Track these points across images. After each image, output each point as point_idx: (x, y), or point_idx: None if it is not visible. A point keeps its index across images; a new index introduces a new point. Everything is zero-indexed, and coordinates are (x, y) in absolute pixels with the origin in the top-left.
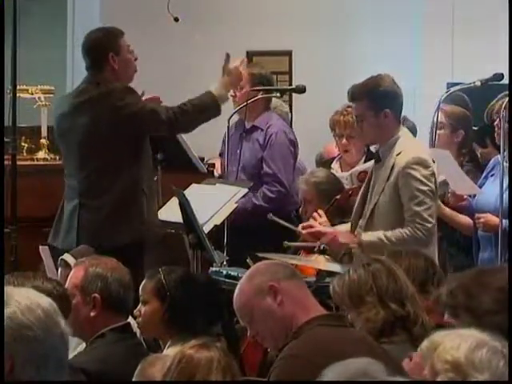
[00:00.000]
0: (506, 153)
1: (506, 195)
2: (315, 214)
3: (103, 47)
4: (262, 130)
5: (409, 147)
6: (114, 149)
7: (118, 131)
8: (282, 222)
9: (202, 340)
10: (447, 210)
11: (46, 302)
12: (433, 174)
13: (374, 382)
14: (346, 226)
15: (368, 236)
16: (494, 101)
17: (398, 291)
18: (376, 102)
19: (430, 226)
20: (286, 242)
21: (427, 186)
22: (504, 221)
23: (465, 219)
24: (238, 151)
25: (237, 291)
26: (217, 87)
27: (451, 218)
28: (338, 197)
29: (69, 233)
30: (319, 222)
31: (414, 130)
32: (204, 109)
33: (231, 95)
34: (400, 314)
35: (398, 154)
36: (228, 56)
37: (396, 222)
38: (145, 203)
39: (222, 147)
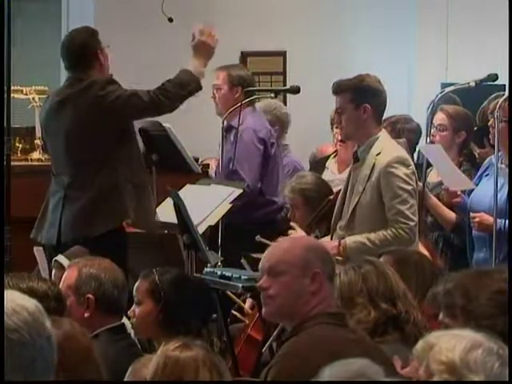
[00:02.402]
0: (500, 153)
1: (500, 195)
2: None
3: (93, 45)
4: (236, 128)
5: (388, 147)
6: (98, 139)
7: (102, 121)
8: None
9: (182, 340)
10: (433, 200)
11: (31, 304)
12: (413, 173)
13: (373, 382)
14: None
15: (352, 242)
16: (486, 102)
17: (388, 291)
18: (358, 96)
19: (413, 224)
20: (258, 237)
21: (409, 184)
22: (498, 220)
23: (448, 213)
24: (221, 152)
25: (284, 247)
26: (190, 62)
27: (435, 209)
28: (331, 197)
29: (52, 227)
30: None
31: (419, 131)
32: (184, 85)
33: (211, 96)
34: (391, 313)
35: (377, 154)
36: (193, 34)
37: (378, 221)
38: (131, 192)
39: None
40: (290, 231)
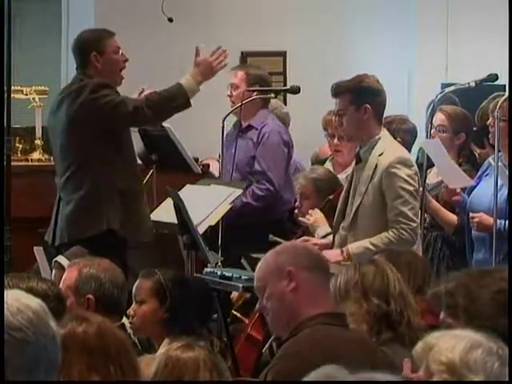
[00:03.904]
0: (501, 153)
1: (499, 195)
2: (310, 211)
3: (87, 46)
4: (257, 129)
5: (390, 148)
6: (87, 143)
7: (89, 124)
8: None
9: (185, 340)
10: (434, 203)
11: (36, 303)
12: (416, 174)
13: (372, 382)
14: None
15: (355, 248)
16: (485, 102)
17: (383, 288)
18: (358, 97)
19: (414, 225)
20: (271, 236)
21: (411, 185)
22: (498, 221)
23: (448, 215)
24: (233, 150)
25: (260, 262)
26: (186, 79)
27: (436, 212)
28: (330, 197)
29: (50, 227)
30: (315, 218)
31: (414, 132)
32: (170, 100)
33: (228, 95)
34: (383, 309)
35: (380, 155)
36: (197, 50)
37: (380, 222)
38: (117, 200)
39: (223, 152)
40: (307, 217)
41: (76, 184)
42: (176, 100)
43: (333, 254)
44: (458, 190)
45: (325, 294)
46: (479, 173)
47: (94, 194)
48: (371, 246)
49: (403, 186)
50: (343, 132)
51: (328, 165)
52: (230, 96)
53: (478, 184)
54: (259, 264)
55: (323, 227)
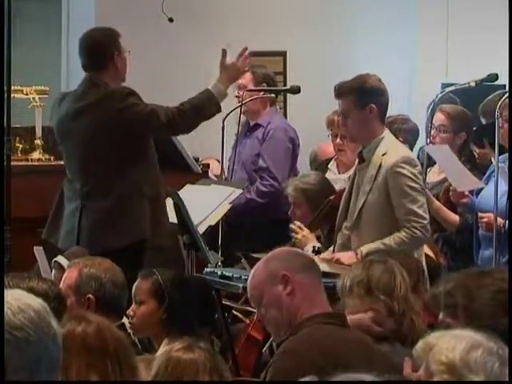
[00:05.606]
0: (505, 154)
1: (507, 196)
2: (297, 225)
3: (109, 45)
4: (263, 126)
5: (394, 147)
6: (115, 151)
7: (118, 133)
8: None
9: (187, 341)
10: (436, 203)
11: (37, 302)
12: (420, 173)
13: (370, 382)
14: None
15: (367, 251)
16: (487, 100)
17: (389, 288)
18: (362, 98)
19: (425, 222)
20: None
21: (417, 183)
22: (502, 220)
23: (451, 215)
24: (239, 149)
25: (252, 271)
26: (214, 84)
27: (437, 212)
28: (331, 197)
29: (70, 234)
30: (303, 234)
31: (416, 132)
32: (202, 107)
33: (235, 96)
34: (389, 305)
35: (383, 154)
36: (225, 52)
37: (385, 221)
38: (147, 206)
39: (231, 152)
40: (293, 234)
41: (103, 192)
42: (207, 107)
43: (347, 256)
44: (466, 193)
45: (320, 294)
46: (487, 173)
47: (125, 201)
48: (383, 247)
49: (410, 185)
50: (346, 132)
51: (332, 165)
52: (238, 97)
53: (486, 184)
54: (251, 274)
55: (312, 243)
